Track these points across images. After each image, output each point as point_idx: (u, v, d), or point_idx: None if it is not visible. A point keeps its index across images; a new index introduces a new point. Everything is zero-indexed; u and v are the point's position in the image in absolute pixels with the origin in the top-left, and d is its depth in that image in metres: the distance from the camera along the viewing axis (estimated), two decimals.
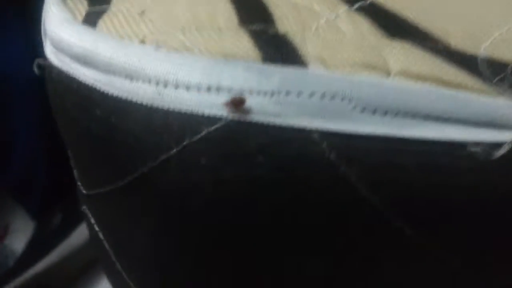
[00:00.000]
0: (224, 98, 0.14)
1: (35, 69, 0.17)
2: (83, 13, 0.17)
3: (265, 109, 0.14)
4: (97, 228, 0.21)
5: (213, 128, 0.14)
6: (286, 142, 0.14)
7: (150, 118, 0.15)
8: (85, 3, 0.18)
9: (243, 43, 0.15)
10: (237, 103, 0.14)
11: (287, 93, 0.14)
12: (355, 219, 0.15)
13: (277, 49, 0.15)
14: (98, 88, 0.15)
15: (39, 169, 0.58)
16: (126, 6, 0.17)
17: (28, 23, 0.54)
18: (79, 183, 0.21)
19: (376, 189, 0.15)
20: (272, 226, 0.15)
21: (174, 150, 0.15)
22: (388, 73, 0.15)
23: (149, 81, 0.15)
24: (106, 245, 0.21)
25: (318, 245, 0.16)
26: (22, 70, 0.55)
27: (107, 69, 0.15)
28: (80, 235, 0.60)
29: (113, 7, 0.17)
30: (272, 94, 0.14)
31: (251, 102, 0.14)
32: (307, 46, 0.15)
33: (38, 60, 0.17)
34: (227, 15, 0.16)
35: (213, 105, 0.14)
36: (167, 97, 0.14)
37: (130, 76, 0.15)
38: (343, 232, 0.15)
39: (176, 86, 0.14)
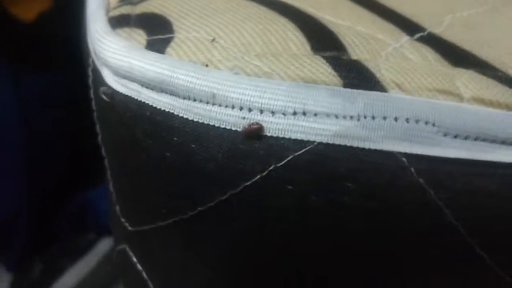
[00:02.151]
0: (309, 122, 0.14)
1: (104, 97, 0.16)
2: (143, 42, 0.17)
3: (352, 133, 0.14)
4: (140, 268, 0.20)
5: (300, 152, 0.14)
6: (376, 166, 0.14)
7: (234, 143, 0.14)
8: (142, 32, 0.18)
9: (321, 68, 0.15)
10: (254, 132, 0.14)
11: (373, 117, 0.14)
12: (441, 246, 0.15)
13: (356, 74, 0.15)
14: (176, 114, 0.15)
15: (21, 218, 0.56)
16: (194, 34, 0.16)
17: (15, 68, 0.53)
18: (123, 220, 0.20)
19: (461, 215, 0.15)
20: (359, 252, 0.15)
21: (258, 176, 0.14)
22: (461, 98, 0.16)
23: (233, 106, 0.14)
24: (150, 285, 0.20)
25: (402, 271, 0.15)
26: (7, 117, 0.54)
27: (186, 94, 0.15)
28: (62, 287, 0.58)
29: (179, 35, 0.17)
30: (358, 118, 0.14)
31: (337, 126, 0.14)
32: (382, 71, 0.15)
33: (103, 89, 0.16)
34: (299, 42, 0.16)
35: (300, 129, 0.14)
36: (251, 122, 0.14)
37: (212, 101, 0.14)
38: (427, 259, 0.15)
39: (261, 111, 0.14)
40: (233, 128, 0.14)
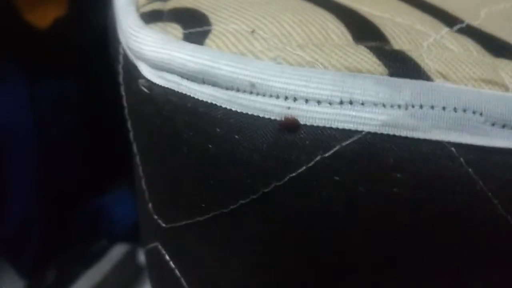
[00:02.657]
0: (356, 111, 0.14)
1: (143, 88, 0.16)
2: (180, 35, 0.17)
3: (400, 122, 0.14)
4: (172, 265, 0.20)
5: (347, 142, 0.14)
6: (425, 156, 0.14)
7: (279, 134, 0.14)
8: (177, 26, 0.17)
9: (365, 58, 0.15)
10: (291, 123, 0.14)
11: (421, 106, 0.14)
12: (490, 238, 0.14)
13: (400, 64, 0.15)
14: (218, 105, 0.15)
15: (34, 224, 0.56)
16: (232, 26, 0.16)
17: (29, 74, 0.53)
18: (156, 217, 0.20)
19: (511, 206, 0.14)
20: (406, 245, 0.14)
21: (304, 167, 0.14)
22: (506, 88, 0.15)
23: (277, 96, 0.14)
24: (184, 283, 0.20)
25: (450, 262, 0.15)
26: (21, 124, 0.54)
27: (229, 85, 0.14)
28: None
29: (217, 27, 0.16)
30: (406, 107, 0.14)
31: (385, 115, 0.14)
32: (426, 61, 0.15)
33: (141, 81, 0.16)
34: (340, 33, 0.16)
35: (347, 118, 0.14)
36: (297, 111, 0.14)
37: (255, 91, 0.14)
38: (476, 251, 0.15)
39: (307, 100, 0.14)
40: (278, 118, 0.14)
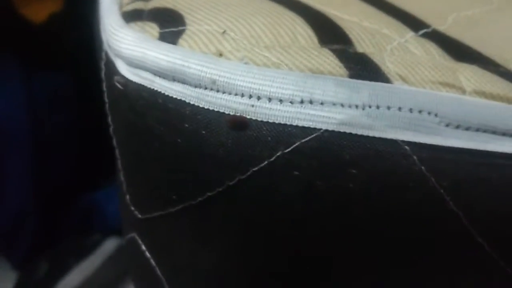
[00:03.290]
0: (316, 110, 0.15)
1: (118, 85, 0.17)
2: (156, 34, 0.18)
3: (357, 121, 0.15)
4: (148, 255, 0.21)
5: (306, 139, 0.14)
6: (379, 154, 0.14)
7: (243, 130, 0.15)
8: (154, 25, 0.18)
9: (328, 60, 0.16)
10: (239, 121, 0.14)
11: (377, 106, 0.15)
12: (441, 233, 0.15)
13: (361, 66, 0.16)
14: (187, 102, 0.15)
15: (28, 217, 0.57)
16: (205, 27, 0.17)
17: (25, 69, 0.54)
18: (132, 208, 0.20)
19: (462, 202, 0.15)
20: (360, 239, 0.15)
21: (266, 162, 0.15)
22: (463, 91, 0.16)
23: (242, 95, 0.15)
24: (159, 272, 0.21)
25: (401, 258, 0.16)
26: (16, 119, 0.55)
27: (197, 83, 0.15)
28: (67, 286, 0.58)
29: (191, 28, 0.17)
30: (363, 107, 0.15)
31: (343, 115, 0.15)
32: (387, 64, 0.16)
33: (116, 78, 0.17)
34: (307, 35, 0.17)
35: (307, 117, 0.15)
36: (260, 109, 0.15)
37: (222, 89, 0.15)
38: (428, 245, 0.16)
39: (270, 99, 0.15)
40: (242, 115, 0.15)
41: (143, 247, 0.21)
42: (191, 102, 0.15)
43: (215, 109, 0.15)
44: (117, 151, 0.21)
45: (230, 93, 0.15)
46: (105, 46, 0.20)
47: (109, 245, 0.63)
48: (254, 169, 0.15)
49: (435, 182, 0.15)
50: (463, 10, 0.21)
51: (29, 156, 0.56)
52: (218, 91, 0.15)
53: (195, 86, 0.15)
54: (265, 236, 0.16)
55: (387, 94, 0.15)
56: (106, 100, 0.21)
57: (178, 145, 0.16)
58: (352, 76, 0.15)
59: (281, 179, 0.15)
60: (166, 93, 0.16)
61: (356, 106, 0.15)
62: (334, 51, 0.16)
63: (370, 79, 0.15)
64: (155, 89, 0.16)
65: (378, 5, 0.20)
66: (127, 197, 0.20)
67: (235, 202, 0.16)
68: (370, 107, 0.15)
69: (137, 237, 0.21)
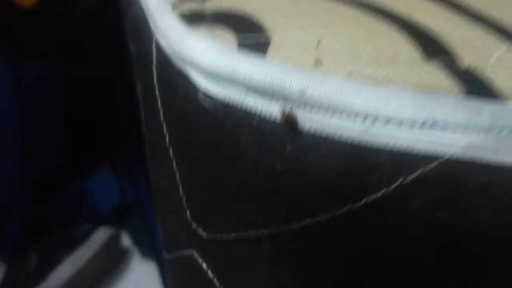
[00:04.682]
0: (439, 134, 0.13)
1: (206, 105, 0.15)
2: (233, 42, 0.16)
3: (483, 145, 0.13)
4: (211, 275, 0.19)
5: (429, 167, 0.13)
6: (507, 182, 0.13)
7: (357, 156, 0.13)
8: (227, 30, 0.17)
9: (440, 76, 0.14)
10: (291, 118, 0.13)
11: (501, 129, 0.13)
12: None
13: (474, 82, 0.14)
14: None
15: (15, 208, 0.55)
16: (294, 36, 0.15)
17: (13, 54, 0.51)
18: (194, 225, 0.19)
19: None
20: (484, 274, 0.14)
21: (383, 191, 0.13)
22: None
23: (355, 116, 0.13)
24: None
25: None
26: (3, 104, 0.52)
27: (302, 103, 0.14)
28: (57, 278, 0.57)
29: (276, 36, 0.16)
30: (488, 129, 0.13)
31: (468, 138, 0.13)
32: (496, 80, 0.15)
33: (200, 96, 0.15)
34: (407, 48, 0.15)
35: (430, 141, 0.13)
36: (376, 133, 0.13)
37: (331, 110, 0.13)
38: None
39: (387, 122, 0.13)
40: (356, 140, 0.13)
41: (205, 266, 0.19)
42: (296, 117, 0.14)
43: (324, 132, 0.13)
44: (174, 163, 0.19)
45: (341, 115, 0.13)
46: (162, 49, 0.18)
47: (100, 235, 0.62)
48: (369, 199, 0.13)
49: None
50: None
51: (16, 144, 0.55)
52: (327, 112, 0.13)
53: (298, 106, 0.14)
54: (368, 271, 0.14)
55: (509, 115, 0.13)
56: (161, 107, 0.19)
57: (276, 170, 0.14)
58: (468, 93, 0.14)
59: (398, 209, 0.13)
60: (262, 114, 0.14)
61: (480, 129, 0.13)
62: (442, 65, 0.15)
63: (486, 96, 0.14)
64: (248, 108, 0.14)
65: (461, 12, 0.18)
66: (188, 212, 0.19)
67: (339, 231, 0.14)
68: (494, 130, 0.13)
69: (196, 255, 0.19)
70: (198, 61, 0.15)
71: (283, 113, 0.13)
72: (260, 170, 0.14)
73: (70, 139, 0.57)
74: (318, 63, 0.14)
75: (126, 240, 0.63)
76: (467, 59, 0.15)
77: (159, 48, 0.19)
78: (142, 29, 0.21)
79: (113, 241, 0.63)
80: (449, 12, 0.18)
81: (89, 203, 0.59)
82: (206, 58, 0.15)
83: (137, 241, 0.63)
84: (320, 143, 0.14)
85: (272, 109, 0.14)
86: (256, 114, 0.14)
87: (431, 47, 0.15)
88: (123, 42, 0.26)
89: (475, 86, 0.14)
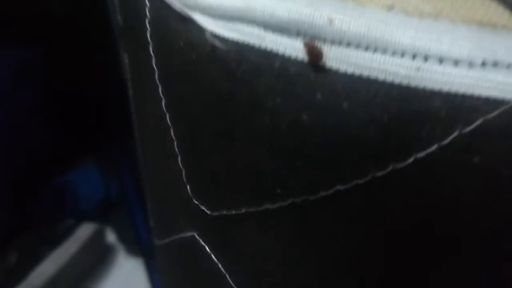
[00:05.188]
0: (503, 76, 0.11)
1: (217, 43, 0.12)
2: None
3: None
4: (215, 260, 0.17)
5: (492, 114, 0.11)
6: None
7: (406, 102, 0.11)
8: None
9: (498, 11, 0.12)
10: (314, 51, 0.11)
11: None
12: None
13: None
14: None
15: None
16: None
17: None
18: (196, 202, 0.16)
19: None
20: None
21: (436, 146, 0.11)
22: None
23: (403, 54, 0.11)
24: (230, 281, 0.16)
25: None
26: None
27: (336, 38, 0.11)
28: (39, 275, 0.54)
29: None
30: None
31: None
32: None
33: (207, 34, 0.13)
34: None
35: (492, 84, 0.11)
36: (429, 74, 0.11)
37: (373, 47, 0.11)
38: None
39: (441, 60, 0.11)
40: (404, 82, 0.11)
41: (208, 249, 0.16)
42: (326, 65, 0.11)
43: (364, 74, 0.11)
44: (172, 131, 0.16)
45: (385, 52, 0.11)
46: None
47: (84, 230, 0.61)
48: (418, 156, 0.11)
49: None
50: None
51: None
52: (367, 49, 0.11)
53: (333, 43, 0.11)
54: (416, 245, 0.12)
55: None
56: (156, 67, 0.16)
57: (304, 123, 0.11)
58: None
59: (455, 168, 0.11)
60: (287, 54, 0.11)
61: None
62: (498, 1, 0.12)
63: None
64: (268, 48, 0.12)
65: None
66: (188, 187, 0.16)
67: (379, 200, 0.12)
68: None
69: (198, 237, 0.17)
70: (202, 1, 0.13)
71: (308, 48, 0.11)
72: (283, 124, 0.12)
73: (53, 132, 0.55)
74: None
75: (111, 236, 0.61)
76: None
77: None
78: None
79: (98, 237, 0.61)
80: None
81: (72, 198, 0.57)
82: None
83: (122, 237, 0.61)
84: (358, 87, 0.11)
85: (297, 48, 0.11)
86: (278, 55, 0.12)
87: None
88: (108, 28, 0.24)
89: None
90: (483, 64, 0.11)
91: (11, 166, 0.52)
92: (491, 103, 0.11)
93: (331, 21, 0.11)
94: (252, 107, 0.12)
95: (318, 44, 0.11)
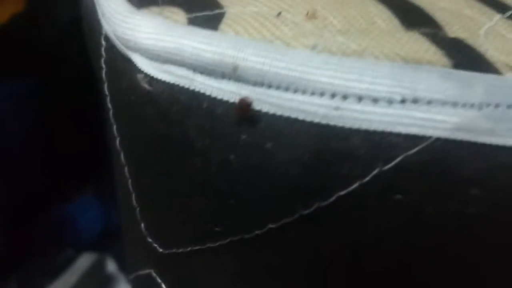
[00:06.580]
0: (422, 112, 0.11)
1: (145, 85, 0.13)
2: (183, 21, 0.14)
3: (476, 125, 0.11)
4: None
5: (413, 151, 0.11)
6: (503, 167, 0.11)
7: (326, 141, 0.11)
8: (178, 10, 0.14)
9: (423, 46, 0.12)
10: (245, 107, 0.11)
11: (496, 105, 0.11)
12: None
13: (464, 53, 0.12)
14: None
15: None
16: (251, 8, 0.13)
17: None
18: (150, 240, 0.16)
19: None
20: (487, 277, 0.12)
21: (357, 184, 0.11)
22: None
23: (322, 93, 0.11)
24: None
25: None
26: None
27: (258, 80, 0.11)
28: None
29: (231, 10, 0.13)
30: (480, 106, 0.11)
31: (457, 117, 0.11)
32: (490, 52, 0.12)
33: (139, 77, 0.13)
34: (385, 16, 0.13)
35: (412, 121, 0.11)
36: (348, 113, 0.11)
37: (294, 87, 0.11)
38: None
39: (360, 99, 0.11)
40: (323, 122, 0.11)
41: (164, 286, 0.16)
42: (251, 106, 0.11)
43: (285, 114, 0.11)
44: (126, 169, 0.17)
45: (304, 92, 0.11)
46: (109, 39, 0.16)
47: (84, 261, 0.60)
48: (340, 194, 0.11)
49: None
50: None
51: None
52: (287, 90, 0.11)
53: (255, 85, 0.11)
54: (345, 280, 0.12)
55: (505, 89, 0.11)
56: (111, 106, 0.17)
57: (231, 163, 0.11)
58: (457, 66, 0.12)
59: (377, 205, 0.11)
60: (213, 95, 0.12)
61: (472, 106, 0.11)
62: (425, 35, 0.12)
63: (478, 70, 0.12)
64: (197, 89, 0.12)
65: None
66: (142, 226, 0.16)
67: (309, 236, 0.12)
68: (487, 106, 0.11)
69: (155, 274, 0.17)
70: (139, 41, 0.13)
71: (240, 102, 0.11)
72: (213, 165, 0.12)
73: (50, 162, 0.55)
74: (276, 36, 0.12)
75: (111, 265, 0.61)
76: (454, 30, 0.13)
77: (107, 39, 0.17)
78: (92, 23, 0.19)
79: (98, 267, 0.60)
80: None
81: (71, 228, 0.57)
82: (148, 37, 0.13)
83: (122, 266, 0.61)
84: (280, 128, 0.11)
85: (224, 90, 0.12)
86: (206, 96, 0.12)
87: (412, 17, 0.13)
88: None
89: (466, 57, 0.12)
90: (403, 101, 0.11)
91: (9, 196, 0.53)
92: (411, 139, 0.11)
93: (257, 66, 0.11)
94: (185, 148, 0.12)
95: (249, 99, 0.11)
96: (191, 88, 0.12)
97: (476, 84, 0.11)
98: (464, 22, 0.14)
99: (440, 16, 0.14)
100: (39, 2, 0.51)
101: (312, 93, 0.11)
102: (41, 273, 0.56)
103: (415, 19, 0.13)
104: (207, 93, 0.12)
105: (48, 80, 0.52)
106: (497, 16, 0.15)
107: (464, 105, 0.11)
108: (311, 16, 0.12)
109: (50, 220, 0.55)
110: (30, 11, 0.51)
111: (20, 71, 0.51)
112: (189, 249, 0.14)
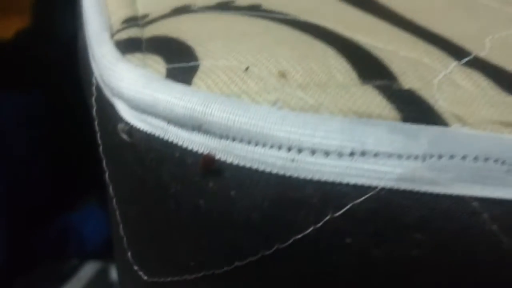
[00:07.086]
0: (370, 164, 0.12)
1: (123, 135, 0.14)
2: (162, 71, 0.15)
3: (418, 175, 0.12)
4: None
5: (360, 200, 0.12)
6: (445, 214, 0.12)
7: (283, 190, 0.12)
8: (159, 59, 0.16)
9: (375, 100, 0.13)
10: (208, 163, 0.12)
11: (439, 156, 0.12)
12: None
13: (413, 106, 0.13)
14: None
15: None
16: (223, 62, 0.14)
17: None
18: (136, 268, 0.18)
19: None
20: None
21: (311, 229, 0.12)
22: None
23: (279, 147, 0.12)
24: None
25: None
26: None
27: (224, 133, 0.13)
28: None
29: (205, 63, 0.15)
30: (424, 158, 0.12)
31: (401, 168, 0.12)
32: (439, 103, 0.14)
33: (120, 127, 0.14)
34: (344, 70, 0.14)
35: (359, 172, 0.12)
36: (302, 164, 0.12)
37: (255, 141, 0.12)
38: None
39: (313, 152, 0.12)
40: (281, 172, 0.12)
41: None
42: (216, 157, 0.13)
43: (247, 165, 0.12)
44: (114, 201, 0.18)
45: (264, 146, 0.12)
46: (98, 81, 0.17)
47: (87, 270, 0.61)
48: (296, 237, 0.12)
49: (509, 243, 0.12)
50: (496, 32, 0.19)
51: None
52: (249, 143, 0.12)
53: (221, 137, 0.13)
54: None
55: (448, 140, 0.12)
56: (100, 142, 0.18)
57: (200, 208, 0.13)
58: (405, 119, 0.13)
59: (330, 248, 0.12)
60: (184, 145, 0.13)
61: (416, 157, 0.12)
62: (378, 89, 0.14)
63: (425, 122, 0.13)
64: (170, 140, 0.13)
65: (409, 29, 0.17)
66: (129, 254, 0.18)
67: (270, 273, 0.13)
68: (431, 157, 0.12)
69: None
70: (122, 90, 0.14)
71: (205, 157, 0.12)
72: (185, 209, 0.13)
73: (53, 173, 0.56)
74: (243, 90, 0.13)
75: (115, 274, 0.62)
76: (409, 81, 0.14)
77: (97, 80, 0.18)
78: (85, 61, 0.20)
79: (102, 275, 0.61)
80: (397, 30, 0.17)
81: (75, 237, 0.58)
82: (130, 87, 0.14)
83: None
84: (243, 177, 0.12)
85: (194, 141, 0.13)
86: (178, 146, 0.13)
87: (370, 69, 0.14)
88: None
89: (414, 110, 0.13)
90: (352, 154, 0.12)
91: (14, 206, 0.54)
92: (359, 189, 0.12)
93: (222, 121, 0.13)
94: (160, 191, 0.14)
95: (212, 155, 0.13)
96: (165, 138, 0.13)
97: (421, 136, 0.13)
98: (421, 71, 0.15)
99: (397, 66, 0.15)
100: (44, 19, 0.52)
101: (271, 146, 0.12)
102: (45, 282, 0.57)
103: (372, 71, 0.14)
104: (179, 143, 0.13)
105: (53, 93, 0.53)
106: (453, 64, 0.16)
107: (408, 157, 0.12)
108: (281, 75, 0.13)
109: (54, 229, 0.56)
110: (35, 27, 0.53)
111: (26, 83, 0.52)
112: (169, 279, 0.16)
